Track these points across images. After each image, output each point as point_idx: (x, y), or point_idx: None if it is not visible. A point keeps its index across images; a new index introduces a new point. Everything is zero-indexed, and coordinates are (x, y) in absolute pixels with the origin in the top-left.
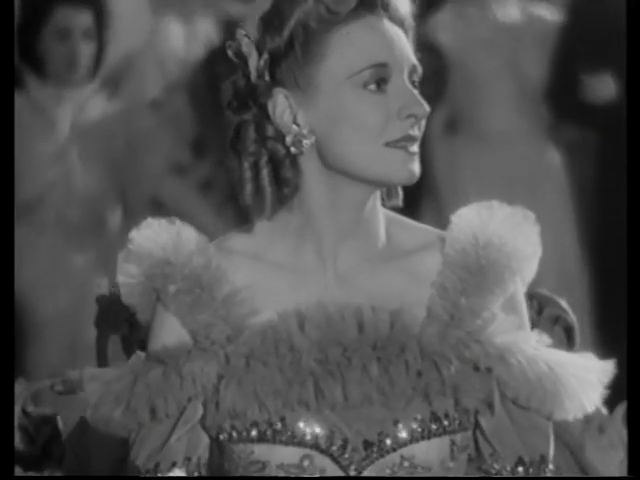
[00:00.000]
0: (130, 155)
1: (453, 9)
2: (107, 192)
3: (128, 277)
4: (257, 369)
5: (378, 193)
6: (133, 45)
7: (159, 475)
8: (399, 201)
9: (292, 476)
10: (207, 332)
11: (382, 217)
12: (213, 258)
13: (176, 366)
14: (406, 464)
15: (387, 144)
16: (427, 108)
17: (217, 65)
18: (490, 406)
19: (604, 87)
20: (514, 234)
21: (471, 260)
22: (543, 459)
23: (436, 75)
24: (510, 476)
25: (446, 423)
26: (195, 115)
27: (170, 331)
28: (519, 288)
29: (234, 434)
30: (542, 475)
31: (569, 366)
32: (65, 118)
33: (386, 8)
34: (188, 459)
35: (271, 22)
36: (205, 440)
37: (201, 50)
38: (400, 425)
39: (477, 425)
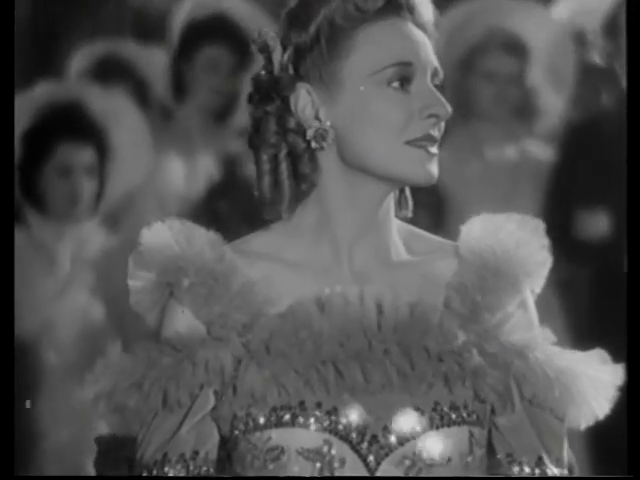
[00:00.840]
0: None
1: (447, 150)
2: (107, 326)
3: (139, 278)
4: (277, 353)
5: (392, 197)
6: (133, 181)
7: (165, 470)
8: (409, 212)
9: (292, 476)
10: (223, 322)
11: (395, 224)
12: (226, 252)
13: (189, 353)
14: (425, 454)
15: (408, 142)
16: (449, 109)
17: (217, 201)
18: (507, 402)
19: (598, 224)
20: (527, 240)
21: (486, 262)
22: (559, 462)
23: (431, 210)
24: (511, 476)
25: (465, 414)
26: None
27: (183, 323)
28: (529, 294)
29: (250, 423)
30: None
31: (584, 368)
32: (65, 254)
33: (411, 11)
34: (196, 452)
35: (298, 17)
36: (215, 435)
37: (201, 187)
38: (420, 411)
39: (491, 430)
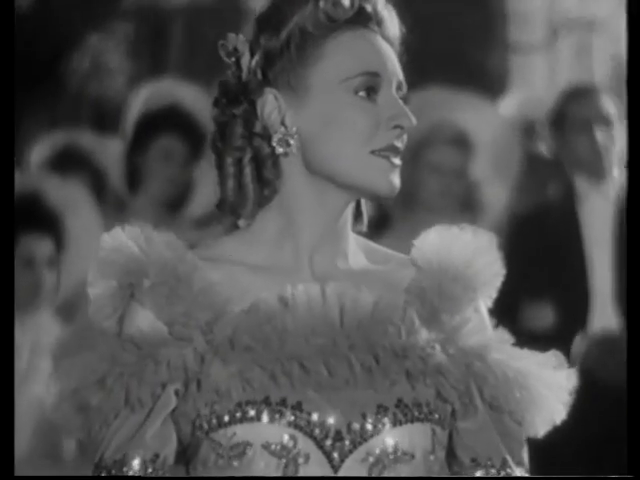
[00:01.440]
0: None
1: (392, 239)
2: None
3: (99, 284)
4: (241, 348)
5: (351, 209)
6: (87, 271)
7: (124, 470)
8: (364, 226)
9: (288, 476)
10: (185, 321)
11: (352, 235)
12: (187, 252)
13: (151, 351)
14: (389, 449)
15: (372, 152)
16: (414, 120)
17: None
18: (469, 404)
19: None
20: (483, 250)
21: (445, 269)
22: (519, 465)
23: None
24: (506, 476)
25: (427, 411)
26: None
27: (144, 323)
28: (482, 301)
29: (214, 420)
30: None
31: (542, 370)
32: (25, 344)
33: (379, 24)
34: (156, 455)
35: (269, 23)
36: (174, 440)
37: None
38: (383, 407)
39: (452, 434)
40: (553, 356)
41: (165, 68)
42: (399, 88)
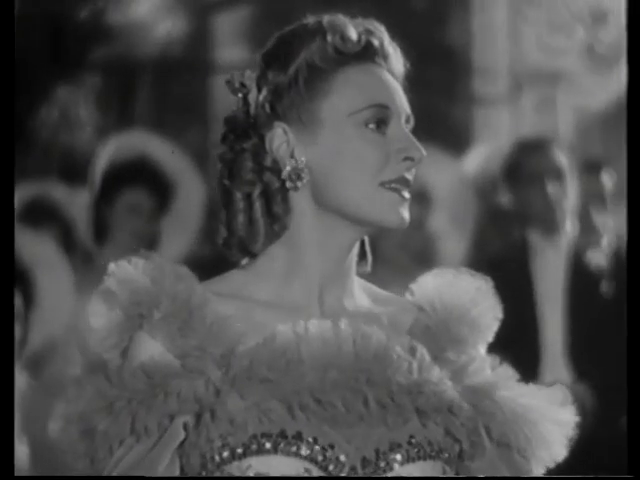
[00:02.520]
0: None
1: None
2: (31, 471)
3: (104, 314)
4: (258, 380)
5: (357, 250)
6: (55, 327)
7: None
8: (368, 267)
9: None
10: (199, 354)
11: (356, 277)
12: (198, 285)
13: (161, 381)
14: None
15: (382, 184)
16: (424, 152)
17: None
18: (477, 444)
19: None
20: (483, 295)
21: (450, 310)
22: None
23: None
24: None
25: (437, 448)
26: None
27: (154, 355)
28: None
29: (225, 453)
30: None
31: (548, 406)
32: None
33: (385, 59)
34: None
35: (276, 58)
36: (176, 473)
37: None
38: (397, 444)
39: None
40: (558, 390)
41: (133, 120)
42: (407, 121)
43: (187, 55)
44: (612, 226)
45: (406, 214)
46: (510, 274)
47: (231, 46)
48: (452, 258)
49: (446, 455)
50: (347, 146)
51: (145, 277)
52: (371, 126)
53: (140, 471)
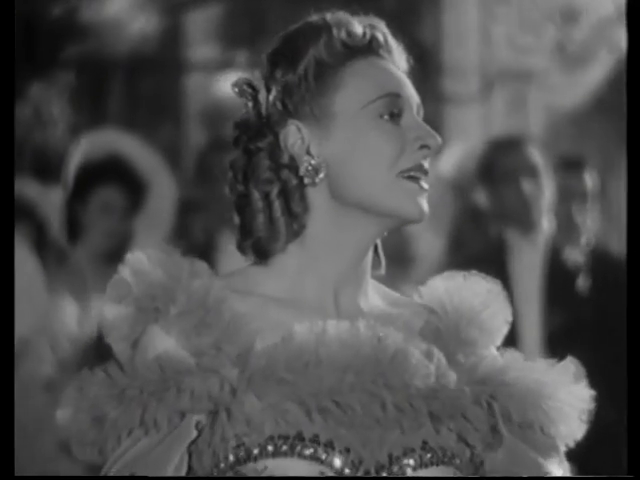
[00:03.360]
0: (23, 435)
1: None
2: None
3: (118, 305)
4: (275, 381)
5: (372, 251)
6: (27, 324)
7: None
8: (382, 269)
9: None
10: (215, 352)
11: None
12: (215, 281)
13: (175, 377)
14: None
15: (401, 173)
16: (439, 140)
17: (107, 346)
18: (493, 443)
19: None
20: (495, 296)
21: (461, 313)
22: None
23: None
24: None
25: (449, 454)
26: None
27: (168, 351)
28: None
29: (242, 453)
30: None
31: (562, 380)
32: None
33: (390, 53)
34: None
35: (284, 57)
36: (183, 472)
37: (94, 328)
38: (410, 448)
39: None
40: (571, 363)
41: (106, 118)
42: (419, 110)
43: (160, 53)
44: (590, 224)
45: (425, 205)
46: (487, 272)
47: (203, 44)
48: (429, 257)
49: (458, 461)
50: (362, 138)
51: (161, 271)
52: (385, 117)
53: (147, 466)
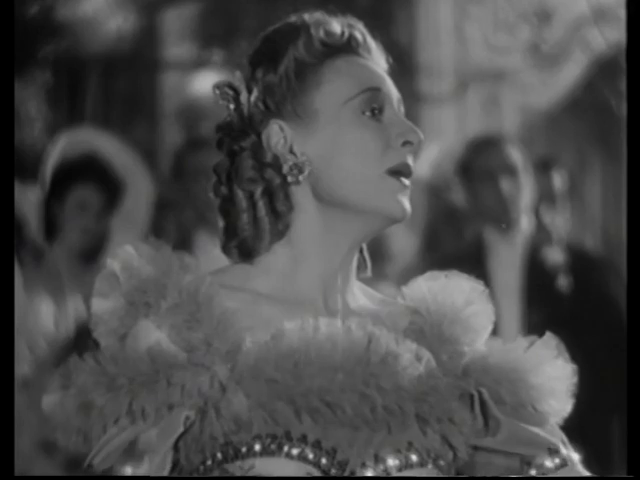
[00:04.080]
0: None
1: None
2: None
3: (107, 298)
4: (264, 379)
5: (357, 253)
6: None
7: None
8: (368, 271)
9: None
10: (206, 348)
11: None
12: (207, 277)
13: (165, 370)
14: None
15: (388, 171)
16: (422, 136)
17: (86, 341)
18: (492, 425)
19: None
20: (474, 298)
21: (444, 313)
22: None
23: None
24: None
25: (433, 455)
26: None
27: (158, 344)
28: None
29: (230, 451)
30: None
31: (545, 355)
32: None
33: (369, 52)
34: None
35: (263, 56)
36: (167, 468)
37: (71, 327)
38: (396, 450)
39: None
40: (551, 339)
41: (83, 117)
42: (399, 105)
43: (135, 52)
44: (562, 224)
45: (407, 204)
46: (466, 271)
47: (179, 43)
48: (405, 256)
49: (441, 462)
50: (345, 135)
51: (152, 266)
52: (367, 113)
53: (132, 455)
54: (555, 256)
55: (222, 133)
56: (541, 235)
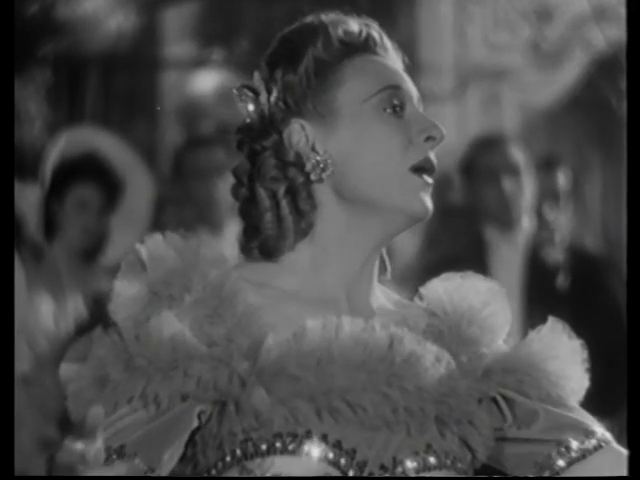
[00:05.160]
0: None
1: None
2: None
3: (131, 284)
4: (286, 377)
5: (379, 256)
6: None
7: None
8: (388, 274)
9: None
10: (227, 344)
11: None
12: (232, 272)
13: (186, 360)
14: None
15: (411, 168)
16: (444, 131)
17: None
18: (524, 414)
19: None
20: (491, 299)
21: (461, 314)
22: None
23: None
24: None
25: (452, 458)
26: (63, 391)
27: (179, 336)
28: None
29: (250, 448)
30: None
31: (553, 344)
32: None
33: (386, 51)
34: (152, 470)
35: (282, 59)
36: (174, 462)
37: (71, 326)
38: (414, 452)
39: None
40: (555, 323)
41: (83, 116)
42: (419, 103)
43: (135, 50)
44: (565, 223)
45: (429, 202)
46: (466, 270)
47: (179, 42)
48: (407, 255)
49: (459, 465)
50: (368, 132)
51: (179, 257)
52: (388, 110)
53: (140, 440)
54: (556, 255)
55: (242, 134)
56: (543, 234)
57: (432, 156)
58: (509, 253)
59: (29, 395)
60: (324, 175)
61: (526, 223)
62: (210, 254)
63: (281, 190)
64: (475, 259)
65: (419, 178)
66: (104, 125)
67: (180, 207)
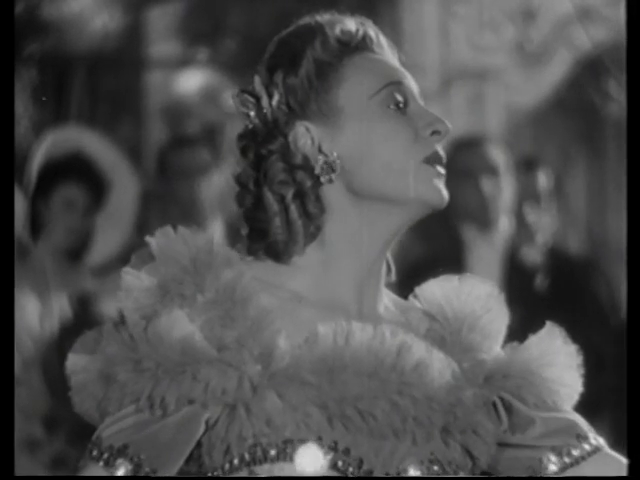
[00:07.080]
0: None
1: None
2: None
3: (142, 280)
4: (298, 382)
5: (385, 258)
6: None
7: (117, 462)
8: (393, 276)
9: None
10: (238, 347)
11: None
12: (245, 272)
13: (194, 365)
14: None
15: (425, 159)
16: (449, 125)
17: (69, 342)
18: (520, 421)
19: None
20: (491, 303)
21: (462, 320)
22: (590, 430)
23: None
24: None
25: (454, 467)
26: (49, 391)
27: (189, 337)
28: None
29: (258, 454)
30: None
31: (552, 347)
32: None
33: (382, 49)
34: (154, 471)
35: (282, 61)
36: (178, 467)
37: (55, 326)
38: (419, 461)
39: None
40: (552, 328)
41: (68, 115)
42: (420, 98)
43: (121, 50)
44: (547, 224)
45: (445, 191)
46: (444, 270)
47: (164, 41)
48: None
49: (461, 473)
50: (375, 129)
51: (192, 255)
52: (392, 107)
53: (144, 441)
54: (534, 256)
55: (247, 140)
56: (521, 235)
57: (440, 149)
58: (487, 253)
59: (15, 395)
60: (334, 176)
61: (505, 224)
62: (223, 253)
63: (290, 194)
64: (453, 259)
65: (432, 168)
66: (89, 124)
67: (165, 206)
